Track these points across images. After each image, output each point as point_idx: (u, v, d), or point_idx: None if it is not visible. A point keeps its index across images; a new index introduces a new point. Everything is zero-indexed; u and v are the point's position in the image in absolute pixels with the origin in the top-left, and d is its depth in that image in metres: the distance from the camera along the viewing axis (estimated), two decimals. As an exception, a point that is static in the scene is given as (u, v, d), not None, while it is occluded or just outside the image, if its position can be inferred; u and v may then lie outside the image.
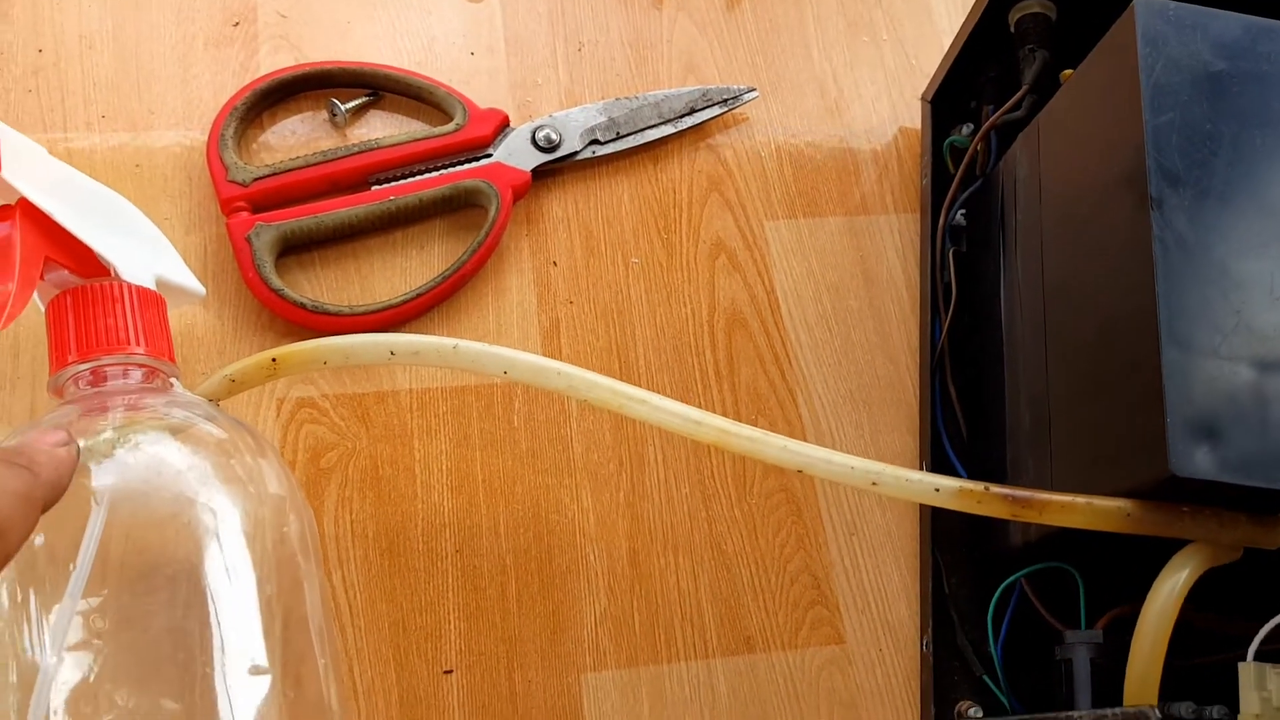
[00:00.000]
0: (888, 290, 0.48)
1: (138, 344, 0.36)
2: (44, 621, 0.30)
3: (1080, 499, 0.31)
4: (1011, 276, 0.41)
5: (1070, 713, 0.30)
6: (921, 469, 0.44)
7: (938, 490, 0.32)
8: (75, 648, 0.29)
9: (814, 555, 0.43)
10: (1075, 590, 0.38)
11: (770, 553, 0.43)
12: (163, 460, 0.33)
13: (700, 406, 0.36)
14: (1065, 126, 0.39)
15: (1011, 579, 0.38)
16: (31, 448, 0.28)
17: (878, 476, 0.33)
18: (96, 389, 0.35)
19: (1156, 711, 0.27)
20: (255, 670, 0.31)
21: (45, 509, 0.27)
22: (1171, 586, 0.30)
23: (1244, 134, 0.33)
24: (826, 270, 0.48)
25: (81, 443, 0.33)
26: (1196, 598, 0.32)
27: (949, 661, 0.41)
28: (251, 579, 0.32)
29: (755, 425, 0.38)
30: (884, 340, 0.47)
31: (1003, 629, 0.40)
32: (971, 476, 0.37)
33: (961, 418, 0.44)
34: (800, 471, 0.34)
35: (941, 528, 0.42)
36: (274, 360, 0.38)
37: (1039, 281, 0.39)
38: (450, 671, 0.40)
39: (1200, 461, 0.29)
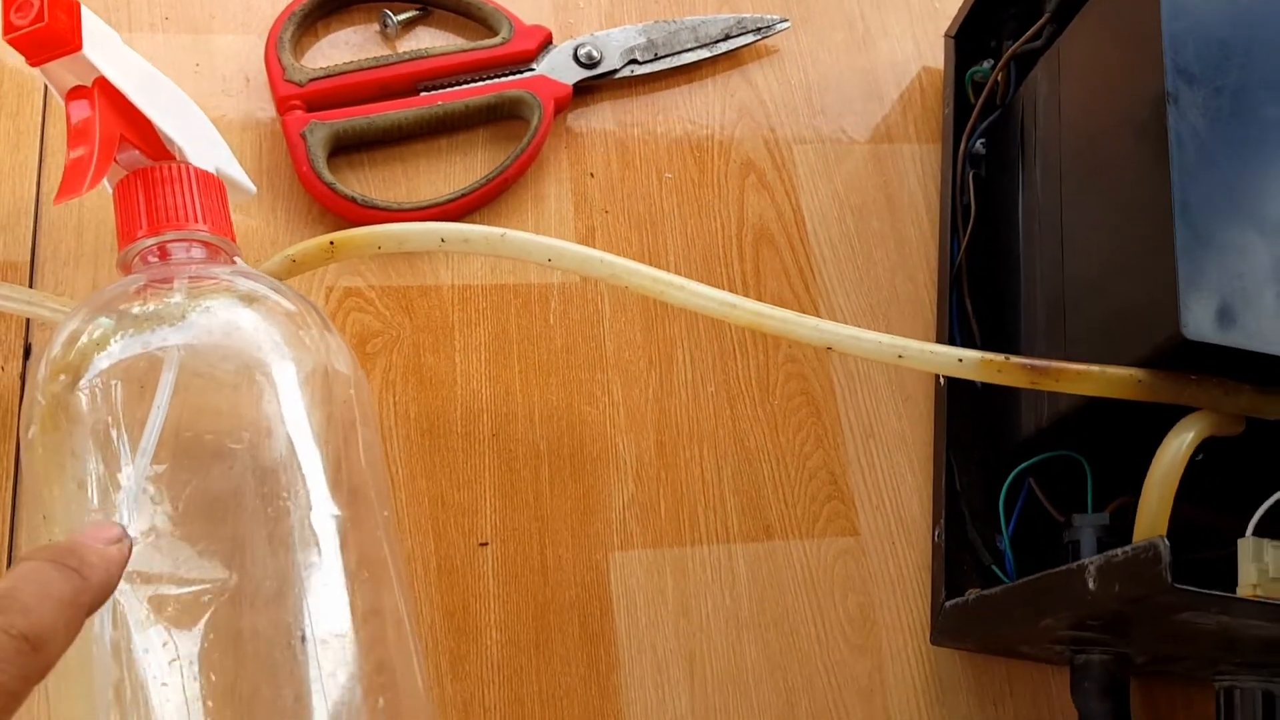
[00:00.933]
0: (908, 213, 0.50)
1: (202, 221, 0.37)
2: (115, 481, 0.32)
3: (1094, 367, 0.33)
4: (1030, 191, 0.44)
5: (1080, 560, 0.32)
6: (938, 378, 0.46)
7: (961, 360, 0.34)
8: (146, 508, 0.31)
9: (832, 454, 0.46)
10: (1081, 488, 0.40)
11: (790, 450, 0.45)
12: (236, 324, 0.35)
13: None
14: (1085, 45, 0.41)
15: (1024, 465, 0.40)
16: (83, 547, 0.26)
17: (904, 350, 0.35)
18: (163, 262, 0.37)
19: (1165, 540, 0.29)
20: (325, 522, 0.33)
21: (90, 613, 0.25)
22: (1178, 445, 0.32)
23: (1255, 42, 0.36)
24: (850, 193, 0.51)
25: (150, 307, 0.35)
26: (1192, 493, 0.34)
27: (959, 553, 0.43)
28: (319, 440, 0.34)
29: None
30: (904, 260, 0.49)
31: (1012, 521, 0.42)
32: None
33: (977, 330, 0.46)
34: (830, 349, 0.37)
35: (956, 428, 0.45)
36: (332, 243, 0.40)
37: (1057, 191, 0.41)
38: (485, 544, 0.42)
39: (1209, 326, 0.31)
